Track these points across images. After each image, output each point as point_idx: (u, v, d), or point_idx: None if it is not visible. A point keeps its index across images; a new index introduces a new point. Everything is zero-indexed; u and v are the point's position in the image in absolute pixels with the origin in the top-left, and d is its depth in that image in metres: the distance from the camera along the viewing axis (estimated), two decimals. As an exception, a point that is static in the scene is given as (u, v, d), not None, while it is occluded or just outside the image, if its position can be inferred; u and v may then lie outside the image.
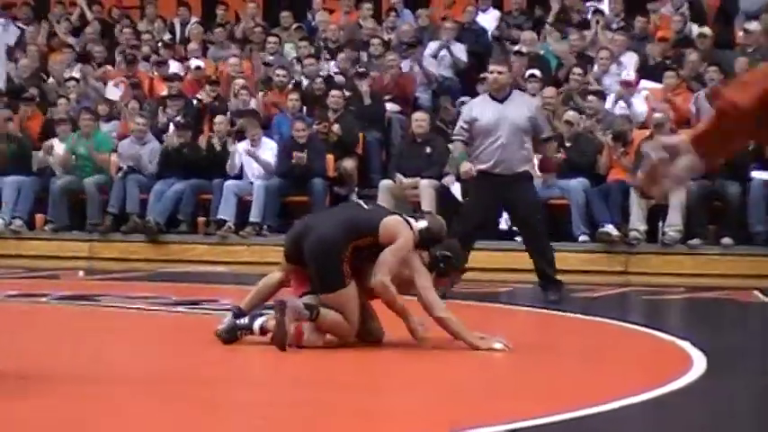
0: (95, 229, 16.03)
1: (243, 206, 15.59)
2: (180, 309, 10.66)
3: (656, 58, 16.87)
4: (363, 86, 16.57)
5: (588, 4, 18.72)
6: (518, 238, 13.08)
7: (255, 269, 14.24)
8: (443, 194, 14.50)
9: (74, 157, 16.30)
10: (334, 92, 16.20)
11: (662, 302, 12.21)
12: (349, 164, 15.75)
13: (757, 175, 14.15)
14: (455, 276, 8.46)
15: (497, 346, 7.99)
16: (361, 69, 16.98)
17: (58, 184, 16.23)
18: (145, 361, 8.05)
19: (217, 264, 15.07)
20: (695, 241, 14.07)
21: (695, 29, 17.42)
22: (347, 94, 16.37)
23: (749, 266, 13.74)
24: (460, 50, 17.76)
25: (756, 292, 12.42)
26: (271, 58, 18.39)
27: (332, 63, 18.04)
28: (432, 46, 17.93)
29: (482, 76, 16.77)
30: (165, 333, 9.64)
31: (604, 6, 18.44)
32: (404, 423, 6.09)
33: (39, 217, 16.51)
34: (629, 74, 16.29)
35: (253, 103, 16.89)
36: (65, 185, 16.22)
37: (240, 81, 17.14)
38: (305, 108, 16.66)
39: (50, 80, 19.10)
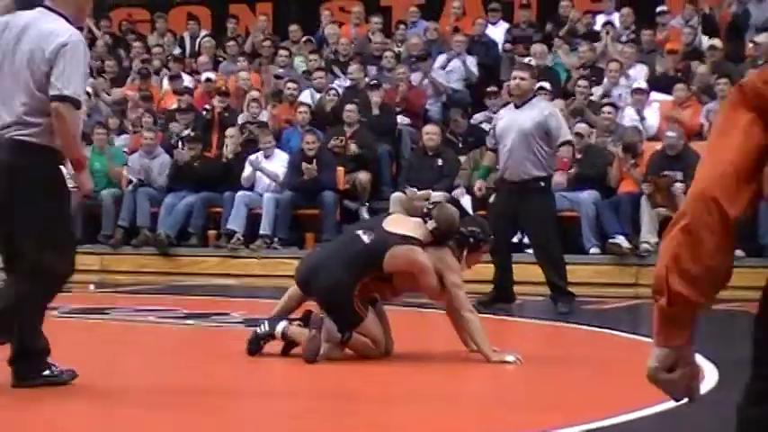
0: (107, 242, 16.06)
1: (253, 219, 15.61)
2: (190, 322, 10.65)
3: (667, 70, 16.87)
4: (374, 98, 16.58)
5: (598, 16, 18.74)
6: (529, 250, 13.07)
7: (266, 282, 14.31)
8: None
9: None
10: (349, 106, 16.18)
11: (673, 314, 12.18)
12: (363, 177, 15.75)
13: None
14: (486, 246, 8.49)
15: (509, 359, 7.97)
16: (372, 82, 16.99)
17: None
18: (156, 373, 8.04)
19: (227, 276, 15.08)
20: (706, 253, 14.02)
21: (705, 41, 17.44)
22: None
23: (760, 278, 13.61)
24: (471, 63, 17.78)
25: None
26: (281, 71, 18.43)
27: (344, 77, 18.06)
28: (441, 59, 17.95)
29: (489, 89, 16.87)
30: (175, 346, 9.64)
31: (615, 19, 18.46)
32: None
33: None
34: (641, 83, 16.30)
35: (263, 116, 16.91)
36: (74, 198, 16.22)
37: (254, 93, 17.18)
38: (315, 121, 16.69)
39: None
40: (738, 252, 13.94)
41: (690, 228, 2.69)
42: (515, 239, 14.07)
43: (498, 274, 11.52)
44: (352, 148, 15.81)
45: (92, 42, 20.83)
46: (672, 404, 6.53)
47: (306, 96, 17.42)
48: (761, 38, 16.83)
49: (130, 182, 16.22)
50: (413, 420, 6.41)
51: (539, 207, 11.42)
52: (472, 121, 16.63)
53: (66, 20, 6.62)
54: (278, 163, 15.74)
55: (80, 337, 10.19)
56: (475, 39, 18.56)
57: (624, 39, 17.85)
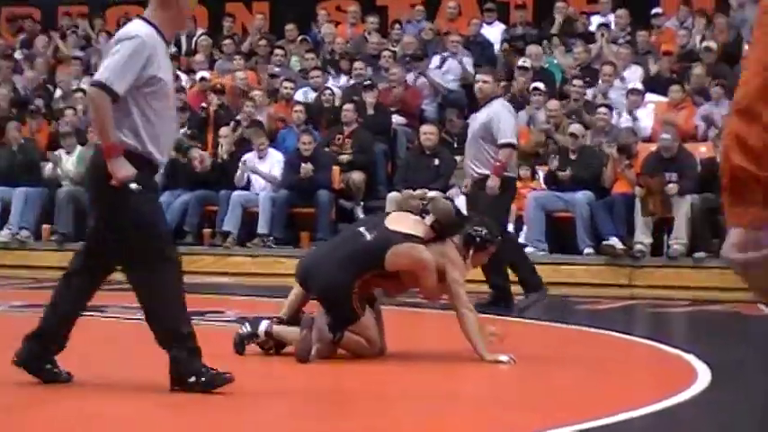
0: (101, 240, 16.03)
1: (249, 217, 15.62)
2: (185, 319, 10.64)
3: (662, 72, 16.90)
4: (368, 99, 16.60)
5: (593, 17, 18.77)
6: (527, 250, 13.19)
7: (261, 280, 14.32)
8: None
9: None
10: (346, 106, 16.20)
11: (667, 315, 12.22)
12: (357, 177, 15.77)
13: (761, 188, 14.15)
14: (493, 247, 8.51)
15: (503, 358, 7.98)
16: (367, 82, 17.00)
17: (65, 195, 16.28)
18: (150, 371, 8.04)
19: (222, 275, 15.08)
20: (700, 254, 14.08)
21: (700, 42, 17.46)
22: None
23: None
24: (467, 63, 17.81)
25: (761, 306, 12.39)
26: (277, 69, 18.44)
27: (343, 77, 18.08)
28: (436, 59, 17.97)
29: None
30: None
31: (610, 20, 18.49)
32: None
33: (45, 227, 16.53)
34: (636, 85, 16.33)
35: (261, 116, 16.92)
36: (71, 195, 16.26)
37: (256, 93, 17.20)
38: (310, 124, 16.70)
39: (57, 92, 19.13)
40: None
41: (747, 107, 2.79)
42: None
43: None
44: (344, 158, 15.84)
45: (88, 39, 20.87)
46: (665, 404, 6.59)
47: (301, 95, 17.44)
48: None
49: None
50: (408, 420, 6.42)
51: (486, 204, 11.44)
52: (469, 121, 16.62)
53: (155, 27, 6.66)
54: (272, 163, 15.74)
55: (75, 334, 10.18)
56: (470, 39, 18.58)
57: (620, 40, 17.87)
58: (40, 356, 6.90)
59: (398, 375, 7.76)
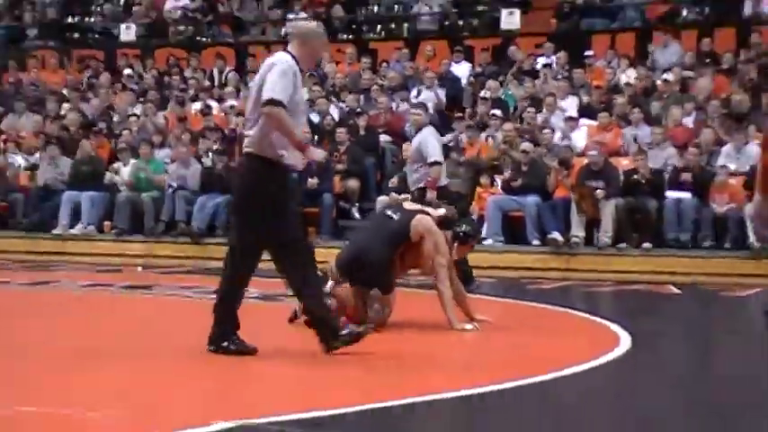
0: (151, 234, 16.07)
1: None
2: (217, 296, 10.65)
3: (593, 102, 16.92)
4: (361, 122, 16.64)
5: (539, 58, 18.79)
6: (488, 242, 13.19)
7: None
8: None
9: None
10: (340, 129, 16.22)
11: (596, 293, 12.27)
12: (353, 183, 15.80)
13: (671, 194, 14.22)
14: (473, 242, 8.70)
15: (468, 327, 8.03)
16: (358, 110, 17.05)
17: (124, 198, 16.29)
18: (190, 336, 8.06)
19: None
20: (622, 245, 14.13)
21: (623, 78, 17.50)
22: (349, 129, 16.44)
23: (665, 265, 13.79)
24: (440, 94, 17.83)
25: (670, 286, 12.48)
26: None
27: (341, 104, 18.08)
28: (416, 90, 17.97)
29: (455, 115, 16.95)
30: (205, 315, 9.65)
31: (552, 60, 18.51)
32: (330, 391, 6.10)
33: (106, 224, 16.52)
34: (572, 113, 16.36)
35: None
36: (128, 198, 16.28)
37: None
38: (316, 138, 16.69)
39: (116, 116, 19.11)
40: (647, 244, 14.06)
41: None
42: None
43: None
44: (341, 167, 15.86)
45: (139, 77, 20.85)
46: (596, 363, 6.63)
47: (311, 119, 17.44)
48: (669, 76, 16.91)
49: (170, 186, 16.22)
50: (390, 374, 6.41)
51: None
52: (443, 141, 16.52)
53: (294, 58, 6.68)
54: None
55: (131, 308, 10.23)
56: (443, 75, 18.59)
57: (559, 76, 17.89)
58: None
59: (388, 340, 7.78)
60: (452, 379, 6.22)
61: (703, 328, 9.48)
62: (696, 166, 14.33)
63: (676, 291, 12.13)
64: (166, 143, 17.58)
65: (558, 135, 15.86)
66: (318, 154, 6.62)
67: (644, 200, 14.10)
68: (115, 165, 16.86)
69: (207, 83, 20.29)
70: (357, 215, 15.45)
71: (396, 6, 21.78)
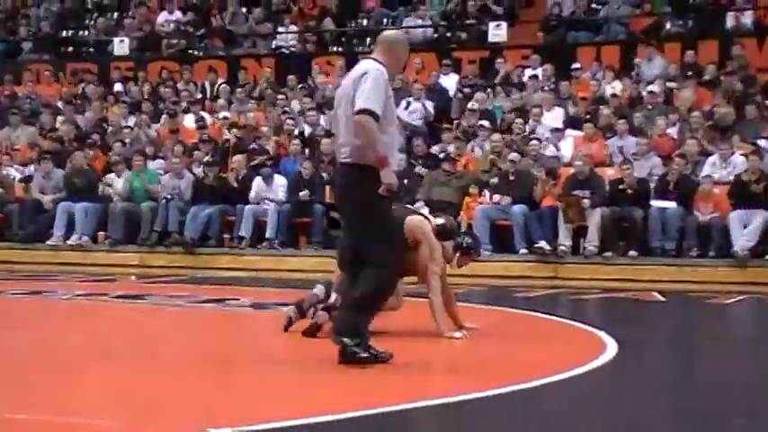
0: (144, 243, 16.03)
1: (260, 226, 15.61)
2: (209, 305, 10.66)
3: (579, 113, 16.94)
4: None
5: (526, 70, 18.82)
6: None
7: (269, 275, 14.32)
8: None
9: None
10: (325, 140, 16.19)
11: (583, 301, 12.26)
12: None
13: (656, 203, 14.24)
14: (475, 254, 8.62)
15: (457, 335, 8.01)
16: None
17: (118, 209, 16.25)
18: (182, 344, 8.05)
19: (238, 270, 15.07)
20: (608, 254, 14.14)
21: (608, 89, 17.53)
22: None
23: (650, 273, 13.81)
24: (429, 105, 17.84)
25: (655, 293, 12.48)
26: (281, 111, 18.42)
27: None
28: (405, 102, 17.97)
29: (443, 126, 16.95)
30: (197, 324, 9.64)
31: (539, 72, 18.54)
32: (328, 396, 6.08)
33: (100, 234, 16.49)
34: (558, 124, 16.38)
35: (268, 146, 16.95)
36: (122, 209, 16.24)
37: (264, 129, 17.26)
38: (306, 149, 16.69)
39: (109, 129, 19.08)
40: (633, 253, 14.07)
41: None
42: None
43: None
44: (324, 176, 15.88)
45: (131, 91, 20.81)
46: (583, 369, 6.61)
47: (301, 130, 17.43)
48: (654, 87, 16.95)
49: (165, 198, 16.19)
50: (382, 386, 6.41)
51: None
52: (431, 151, 16.54)
53: (382, 65, 6.64)
54: (276, 187, 15.73)
55: (124, 316, 10.19)
56: (431, 87, 18.60)
57: (546, 88, 17.92)
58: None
59: (378, 347, 7.76)
60: (440, 386, 6.20)
61: (688, 336, 9.48)
62: (681, 176, 14.35)
63: (661, 298, 12.12)
64: (160, 154, 17.55)
65: (545, 146, 15.86)
66: (391, 179, 6.48)
67: (630, 209, 14.12)
68: (109, 176, 16.82)
69: (199, 95, 20.27)
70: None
71: (384, 20, 21.81)
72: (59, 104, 20.36)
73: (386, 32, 7.16)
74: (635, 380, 6.69)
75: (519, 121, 16.36)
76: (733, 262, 13.56)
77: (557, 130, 16.15)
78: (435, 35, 20.94)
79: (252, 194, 15.69)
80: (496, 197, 14.76)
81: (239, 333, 7.98)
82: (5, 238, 16.77)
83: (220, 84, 20.37)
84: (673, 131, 15.92)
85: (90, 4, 24.69)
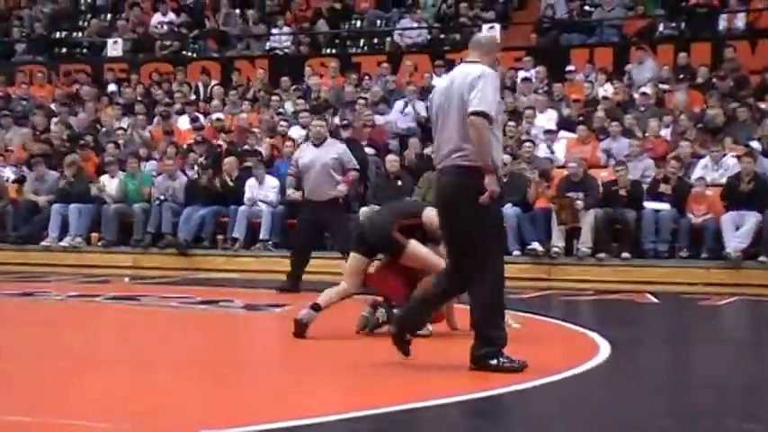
0: (138, 245, 16.00)
1: (253, 227, 15.58)
2: (203, 307, 10.64)
3: (572, 115, 16.95)
4: (345, 134, 16.58)
5: (519, 72, 18.82)
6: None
7: (262, 276, 14.30)
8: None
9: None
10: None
11: (576, 302, 12.26)
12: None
13: (649, 205, 14.25)
14: None
15: (424, 332, 7.92)
16: (344, 122, 17.01)
17: (111, 210, 16.23)
18: (176, 346, 8.04)
19: (232, 272, 15.05)
20: (602, 255, 14.14)
21: (601, 91, 17.54)
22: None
23: (643, 275, 13.81)
24: (421, 107, 17.82)
25: (648, 295, 12.49)
26: (275, 112, 18.40)
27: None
28: (398, 104, 17.98)
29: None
30: (191, 325, 9.63)
31: (532, 74, 18.54)
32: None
33: (93, 235, 16.46)
34: (551, 125, 16.38)
35: (262, 147, 16.91)
36: (116, 210, 16.21)
37: (256, 130, 17.25)
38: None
39: (103, 129, 19.06)
40: (626, 254, 14.08)
41: None
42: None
43: (295, 267, 12.23)
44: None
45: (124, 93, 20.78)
46: (576, 371, 6.60)
47: (294, 131, 17.41)
48: (646, 89, 16.97)
49: (158, 199, 16.17)
50: (377, 387, 6.39)
51: (339, 219, 12.27)
52: (424, 152, 16.52)
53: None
54: (268, 188, 15.71)
55: (117, 318, 10.17)
56: (424, 88, 18.58)
57: (539, 90, 17.93)
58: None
59: (372, 348, 7.75)
60: (433, 387, 6.18)
61: (681, 337, 9.49)
62: (674, 178, 14.36)
63: (654, 300, 12.13)
64: (153, 156, 17.52)
65: (537, 148, 15.86)
66: (495, 186, 6.36)
67: (623, 210, 14.13)
68: (102, 178, 16.80)
69: (192, 97, 20.25)
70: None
71: (378, 21, 21.83)
72: (53, 106, 20.32)
73: (479, 35, 7.17)
74: (628, 381, 6.69)
75: (512, 123, 16.35)
76: (725, 264, 13.57)
77: (550, 131, 16.16)
78: (429, 37, 20.94)
79: (246, 197, 15.66)
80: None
81: (233, 335, 7.97)
82: (0, 240, 16.73)
83: (214, 85, 20.36)
84: (666, 133, 15.94)
85: (83, 6, 24.68)
